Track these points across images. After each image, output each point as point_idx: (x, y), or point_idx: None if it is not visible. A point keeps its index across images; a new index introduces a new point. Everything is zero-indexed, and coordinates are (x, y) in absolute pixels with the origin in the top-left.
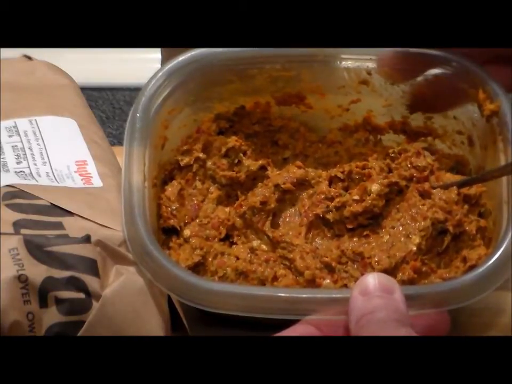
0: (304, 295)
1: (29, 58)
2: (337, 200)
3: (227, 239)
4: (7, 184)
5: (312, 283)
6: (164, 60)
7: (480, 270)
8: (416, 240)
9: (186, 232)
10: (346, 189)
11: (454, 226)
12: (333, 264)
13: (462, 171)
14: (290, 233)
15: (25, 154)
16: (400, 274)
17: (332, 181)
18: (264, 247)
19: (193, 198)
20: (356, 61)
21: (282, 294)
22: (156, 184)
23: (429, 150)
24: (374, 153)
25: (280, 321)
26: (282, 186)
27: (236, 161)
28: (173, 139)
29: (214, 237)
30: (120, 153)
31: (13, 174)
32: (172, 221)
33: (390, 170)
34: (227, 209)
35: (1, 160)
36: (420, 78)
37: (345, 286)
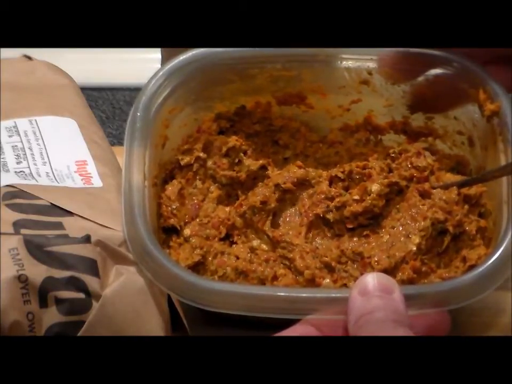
0: (303, 295)
1: (29, 58)
2: (337, 200)
3: (227, 238)
4: (7, 184)
5: (312, 283)
6: (164, 60)
7: (480, 269)
8: (416, 240)
9: (187, 231)
10: (346, 189)
11: (454, 226)
12: (333, 264)
13: (463, 171)
14: (290, 233)
15: (25, 154)
16: (400, 274)
17: (332, 180)
18: (264, 246)
19: (194, 198)
20: (356, 61)
21: (282, 294)
22: (156, 184)
23: (430, 150)
24: (374, 153)
25: (280, 321)
26: (282, 186)
27: (237, 160)
28: (173, 138)
29: (214, 237)
30: (120, 153)
31: (13, 174)
32: (172, 220)
33: (391, 171)
34: (227, 209)
35: (1, 160)
36: (420, 78)
37: (345, 285)
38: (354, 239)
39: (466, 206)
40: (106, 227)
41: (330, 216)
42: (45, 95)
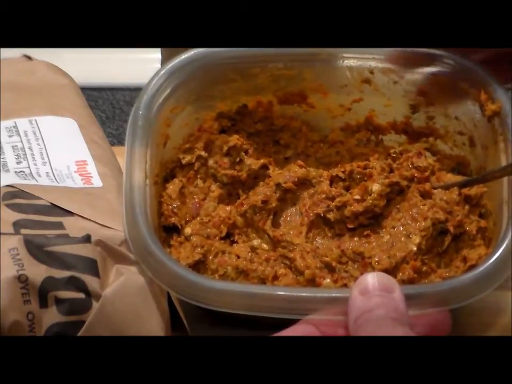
0: (303, 294)
1: (29, 58)
2: (338, 199)
3: (228, 237)
4: (7, 184)
5: (312, 282)
6: (164, 60)
7: (480, 269)
8: (417, 240)
9: (187, 230)
10: (347, 189)
11: (454, 226)
12: (333, 263)
13: (463, 172)
14: (291, 232)
15: (25, 154)
16: (400, 274)
17: (333, 180)
18: (264, 246)
19: (195, 196)
20: (358, 59)
21: (282, 293)
22: (157, 182)
23: (430, 150)
24: (375, 153)
25: (280, 320)
26: (283, 185)
27: (238, 160)
28: (174, 137)
29: (215, 236)
30: (120, 153)
31: (13, 174)
32: (173, 219)
33: (391, 171)
34: (228, 208)
35: (1, 160)
36: (423, 76)
37: (345, 285)
38: (355, 239)
39: (467, 207)
40: (107, 227)
41: (331, 215)
42: (45, 95)
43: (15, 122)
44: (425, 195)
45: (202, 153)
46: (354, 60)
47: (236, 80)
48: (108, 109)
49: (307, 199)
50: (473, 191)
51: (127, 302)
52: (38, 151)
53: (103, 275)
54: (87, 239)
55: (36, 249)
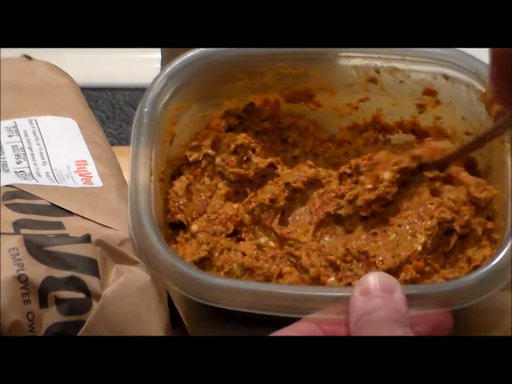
0: (307, 292)
1: (29, 58)
2: (349, 193)
3: (234, 235)
4: (7, 184)
5: (316, 281)
6: (164, 60)
7: (483, 270)
8: (422, 239)
9: (194, 227)
10: (355, 184)
11: (461, 226)
12: (338, 262)
13: (471, 172)
14: (298, 230)
15: (25, 154)
16: (403, 274)
17: (341, 178)
18: (271, 244)
19: (201, 194)
20: (363, 58)
21: (285, 291)
22: (163, 179)
23: None
24: (383, 150)
25: (283, 319)
26: (293, 185)
27: (245, 158)
28: (181, 135)
29: (221, 233)
30: (120, 153)
31: (13, 174)
32: (179, 215)
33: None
34: (235, 206)
35: (1, 160)
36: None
37: (350, 284)
38: (362, 237)
39: (473, 207)
40: (107, 227)
41: (342, 211)
42: (45, 95)
43: (15, 122)
44: (435, 192)
45: (210, 151)
46: (360, 59)
47: (243, 78)
48: (108, 109)
49: (316, 199)
50: (483, 194)
51: (127, 302)
52: (38, 151)
53: (103, 275)
54: (87, 239)
55: (36, 249)
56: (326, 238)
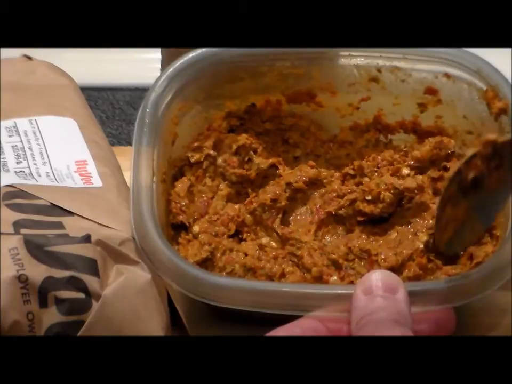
0: (309, 290)
1: (29, 58)
2: (346, 198)
3: (236, 235)
4: (7, 184)
5: (319, 280)
6: (164, 60)
7: (485, 266)
8: (424, 237)
9: (195, 228)
10: (358, 185)
11: None
12: (340, 261)
13: None
14: (300, 230)
15: (25, 154)
16: (406, 271)
17: (343, 179)
18: (273, 244)
19: (203, 195)
20: (365, 58)
21: (287, 289)
22: (165, 180)
23: None
24: (385, 151)
25: (284, 317)
26: (294, 185)
27: (247, 159)
28: (183, 136)
29: (223, 234)
30: (120, 153)
31: (13, 174)
32: (181, 216)
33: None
34: (237, 206)
35: (1, 160)
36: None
37: (352, 283)
38: (363, 236)
39: None
40: (107, 227)
41: (343, 211)
42: (45, 95)
43: (15, 122)
44: (438, 192)
45: (211, 152)
46: (361, 58)
47: (244, 78)
48: (107, 109)
49: (318, 199)
50: None
51: (127, 302)
52: (38, 151)
53: (103, 275)
54: (87, 239)
55: (36, 249)
56: (327, 238)
